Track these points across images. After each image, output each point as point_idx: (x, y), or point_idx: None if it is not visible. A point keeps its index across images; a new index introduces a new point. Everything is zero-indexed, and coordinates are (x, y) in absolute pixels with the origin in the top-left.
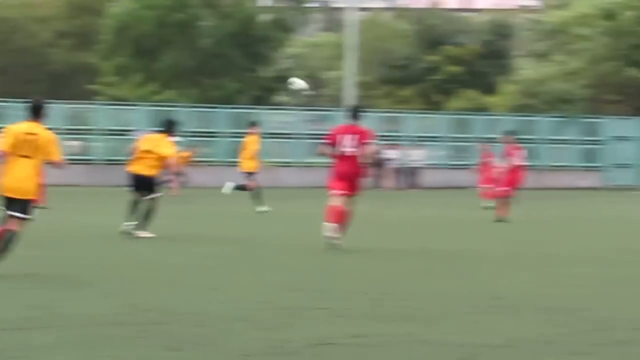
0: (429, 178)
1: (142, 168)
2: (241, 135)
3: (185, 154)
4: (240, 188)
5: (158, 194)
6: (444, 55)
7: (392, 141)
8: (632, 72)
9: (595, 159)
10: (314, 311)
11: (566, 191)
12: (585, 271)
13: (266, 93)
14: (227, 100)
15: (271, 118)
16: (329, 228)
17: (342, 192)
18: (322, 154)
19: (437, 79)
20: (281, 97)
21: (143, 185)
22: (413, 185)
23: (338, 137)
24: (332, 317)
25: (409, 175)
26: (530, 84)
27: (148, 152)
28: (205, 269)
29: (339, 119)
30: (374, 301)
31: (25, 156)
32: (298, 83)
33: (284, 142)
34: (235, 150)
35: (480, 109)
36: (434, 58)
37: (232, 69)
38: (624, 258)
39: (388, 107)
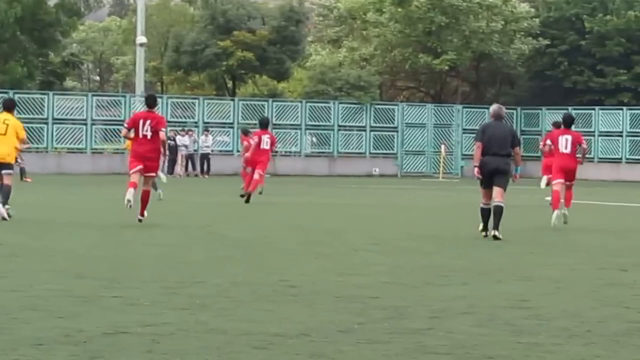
0: (220, 164)
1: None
2: (31, 120)
3: None
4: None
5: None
6: (235, 40)
7: (184, 127)
8: (425, 58)
9: (390, 146)
10: (107, 299)
11: (360, 178)
12: (378, 259)
13: (56, 78)
14: (15, 85)
15: (61, 104)
16: (129, 193)
17: (140, 169)
18: (126, 137)
19: (229, 65)
20: (71, 83)
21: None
22: (204, 172)
23: (138, 121)
24: (124, 306)
25: (200, 161)
26: (322, 70)
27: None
28: None
29: (129, 104)
30: (167, 290)
31: None
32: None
33: (73, 127)
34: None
35: (273, 95)
36: (225, 44)
37: (20, 53)
38: (416, 246)
39: (179, 92)
